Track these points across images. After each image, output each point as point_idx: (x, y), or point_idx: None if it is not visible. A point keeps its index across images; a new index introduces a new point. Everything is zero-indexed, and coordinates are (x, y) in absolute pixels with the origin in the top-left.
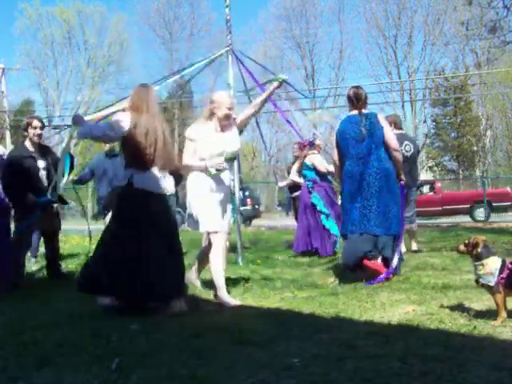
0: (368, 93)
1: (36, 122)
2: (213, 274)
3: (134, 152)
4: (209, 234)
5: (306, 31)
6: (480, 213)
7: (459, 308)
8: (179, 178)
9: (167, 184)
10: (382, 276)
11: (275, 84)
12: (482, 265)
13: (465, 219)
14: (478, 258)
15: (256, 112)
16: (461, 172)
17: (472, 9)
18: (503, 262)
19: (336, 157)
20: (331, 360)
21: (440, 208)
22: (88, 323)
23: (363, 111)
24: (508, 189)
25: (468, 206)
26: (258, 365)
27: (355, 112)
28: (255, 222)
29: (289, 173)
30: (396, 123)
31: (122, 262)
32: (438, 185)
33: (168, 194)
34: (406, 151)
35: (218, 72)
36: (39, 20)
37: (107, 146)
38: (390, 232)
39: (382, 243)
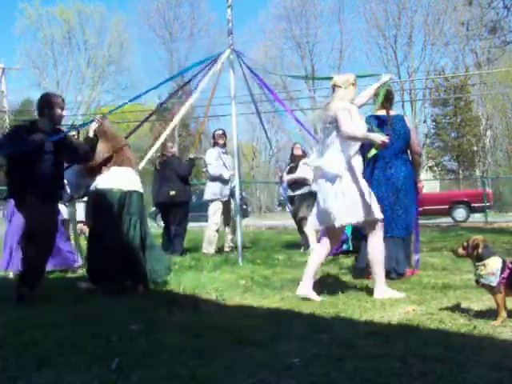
0: None
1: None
2: (379, 263)
3: None
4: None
5: (306, 31)
6: (459, 213)
7: (459, 308)
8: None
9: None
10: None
11: (385, 78)
12: (484, 265)
13: (445, 220)
14: (479, 258)
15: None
16: (461, 172)
17: (472, 9)
18: (504, 262)
19: None
20: (331, 360)
21: (420, 208)
22: (88, 323)
23: (391, 113)
24: (489, 190)
25: (447, 206)
26: (258, 365)
27: (382, 112)
28: (245, 221)
29: (289, 172)
30: None
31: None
32: (419, 185)
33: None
34: None
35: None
36: (39, 20)
37: None
38: (409, 232)
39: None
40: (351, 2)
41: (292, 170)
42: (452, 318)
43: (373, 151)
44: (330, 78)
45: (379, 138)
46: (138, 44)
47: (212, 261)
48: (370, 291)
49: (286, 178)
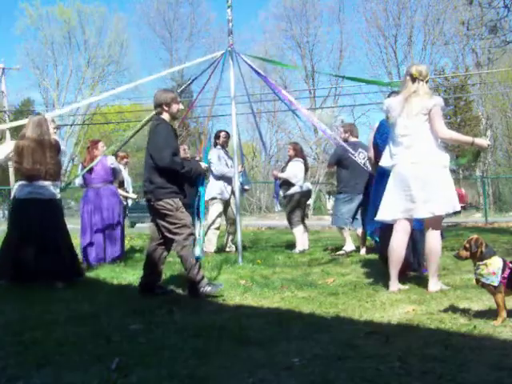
0: (368, 93)
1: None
2: (436, 257)
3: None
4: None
5: (305, 31)
6: None
7: (459, 308)
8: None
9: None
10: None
11: (484, 143)
12: (486, 265)
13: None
14: (480, 258)
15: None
16: (461, 172)
17: (472, 8)
18: (504, 261)
19: (372, 154)
20: (331, 360)
21: None
22: (88, 323)
23: None
24: (462, 190)
25: None
26: (258, 364)
27: None
28: (245, 221)
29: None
30: (352, 131)
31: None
32: None
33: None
34: (361, 158)
35: (218, 72)
36: (39, 20)
37: None
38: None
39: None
40: (351, 1)
41: (283, 170)
42: (452, 318)
43: (465, 158)
44: (383, 84)
45: (485, 142)
46: (138, 44)
47: (212, 261)
48: (370, 291)
49: (276, 176)
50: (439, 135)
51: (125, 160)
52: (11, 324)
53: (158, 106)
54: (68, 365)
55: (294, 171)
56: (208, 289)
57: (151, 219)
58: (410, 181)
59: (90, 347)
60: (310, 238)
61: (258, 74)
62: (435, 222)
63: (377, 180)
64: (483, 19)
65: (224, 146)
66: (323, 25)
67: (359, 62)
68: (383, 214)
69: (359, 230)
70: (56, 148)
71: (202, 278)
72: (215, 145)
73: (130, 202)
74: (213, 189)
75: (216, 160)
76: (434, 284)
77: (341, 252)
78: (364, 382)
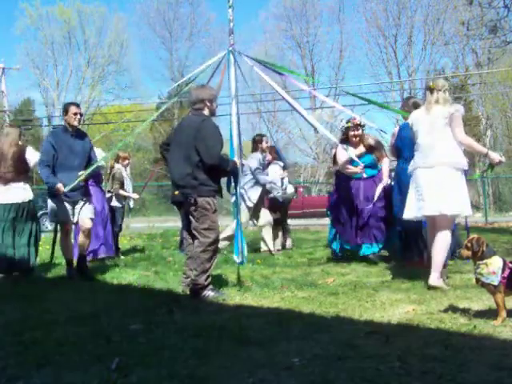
0: (368, 92)
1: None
2: (440, 255)
3: None
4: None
5: (305, 31)
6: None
7: (459, 308)
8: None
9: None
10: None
11: (497, 159)
12: (486, 264)
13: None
14: (481, 257)
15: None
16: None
17: (472, 8)
18: (504, 261)
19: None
20: (331, 360)
21: (300, 211)
22: (88, 323)
23: None
24: None
25: (325, 209)
26: (258, 364)
27: None
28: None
29: None
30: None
31: None
32: (300, 189)
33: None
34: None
35: (218, 71)
36: (39, 20)
37: None
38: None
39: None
40: (351, 1)
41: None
42: (452, 318)
43: (490, 168)
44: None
45: (498, 157)
46: (138, 44)
47: None
48: (370, 291)
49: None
50: (458, 140)
51: (126, 161)
52: (11, 324)
53: (200, 101)
54: (68, 365)
55: (276, 174)
56: (211, 294)
57: (184, 224)
58: (426, 181)
59: (90, 347)
60: (310, 237)
61: (260, 73)
62: (445, 221)
63: (398, 180)
64: (483, 19)
65: (264, 151)
66: (323, 25)
67: (359, 62)
68: (408, 213)
69: None
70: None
71: (209, 284)
72: (255, 149)
73: (131, 202)
74: (258, 194)
75: (257, 165)
76: (434, 279)
77: None
78: (364, 381)
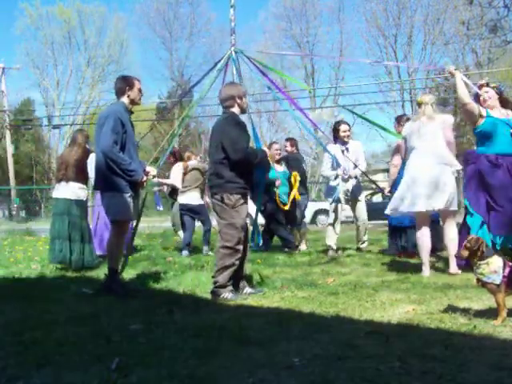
0: (368, 92)
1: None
2: (455, 243)
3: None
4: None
5: (305, 31)
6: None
7: (459, 307)
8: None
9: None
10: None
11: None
12: (487, 264)
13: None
14: (481, 257)
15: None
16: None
17: (472, 8)
18: (503, 260)
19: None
20: (331, 360)
21: None
22: (88, 323)
23: None
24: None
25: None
26: (258, 364)
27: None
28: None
29: None
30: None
31: None
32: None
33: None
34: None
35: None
36: (39, 20)
37: None
38: None
39: None
40: (351, 1)
41: None
42: (452, 318)
43: None
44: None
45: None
46: (138, 44)
47: (212, 261)
48: (370, 291)
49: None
50: (447, 142)
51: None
52: (11, 324)
53: (231, 98)
54: (68, 365)
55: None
56: (229, 296)
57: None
58: (424, 179)
59: (90, 347)
60: (310, 237)
61: (263, 73)
62: (450, 213)
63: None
64: (483, 19)
65: (345, 141)
66: (323, 25)
67: (359, 62)
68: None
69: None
70: None
71: (227, 281)
72: (335, 139)
73: (165, 188)
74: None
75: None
76: (455, 267)
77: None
78: (364, 381)
